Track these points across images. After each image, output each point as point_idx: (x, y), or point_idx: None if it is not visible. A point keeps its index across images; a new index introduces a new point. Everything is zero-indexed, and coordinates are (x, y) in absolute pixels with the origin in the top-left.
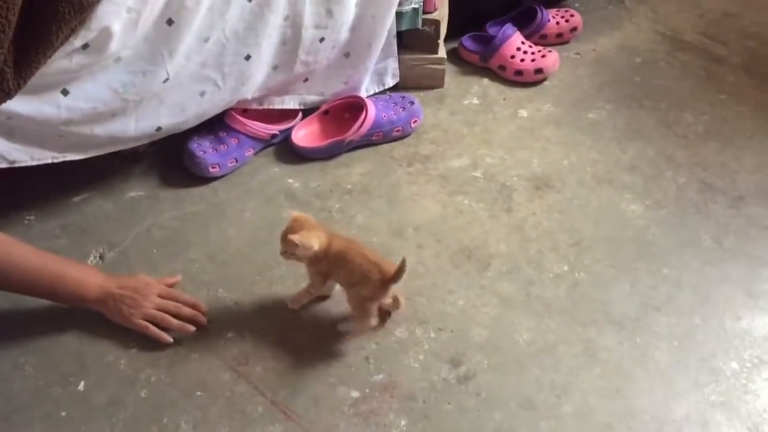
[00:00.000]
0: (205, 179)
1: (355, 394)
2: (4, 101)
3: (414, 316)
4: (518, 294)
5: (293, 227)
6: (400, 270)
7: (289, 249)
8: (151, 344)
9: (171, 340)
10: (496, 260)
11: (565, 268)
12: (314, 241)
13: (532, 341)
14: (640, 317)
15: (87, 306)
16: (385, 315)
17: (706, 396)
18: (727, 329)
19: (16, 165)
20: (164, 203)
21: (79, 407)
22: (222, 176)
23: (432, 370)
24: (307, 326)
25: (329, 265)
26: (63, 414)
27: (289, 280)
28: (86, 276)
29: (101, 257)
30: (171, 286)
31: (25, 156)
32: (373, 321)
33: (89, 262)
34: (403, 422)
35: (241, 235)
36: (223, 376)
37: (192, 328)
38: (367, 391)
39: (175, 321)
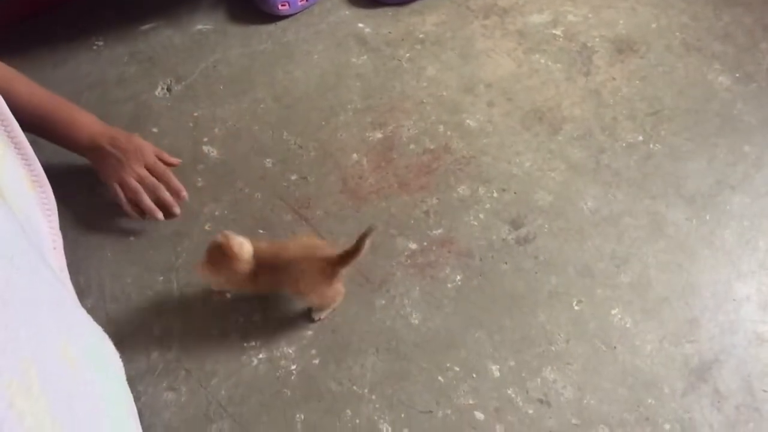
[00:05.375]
0: (274, 17)
1: (413, 246)
2: None
3: (478, 174)
4: (587, 161)
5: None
6: (355, 250)
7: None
8: (215, 180)
9: (135, 216)
10: (568, 124)
11: (640, 138)
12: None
13: (597, 210)
14: (713, 194)
15: (77, 152)
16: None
17: None
18: None
19: None
20: (232, 39)
21: (146, 234)
22: (291, 15)
23: (491, 230)
24: (368, 176)
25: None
26: (131, 239)
27: (354, 128)
28: (83, 122)
29: (168, 89)
30: (168, 164)
31: None
32: (340, 293)
33: (156, 93)
34: (458, 277)
35: (308, 79)
36: (285, 216)
37: (160, 216)
38: (425, 244)
39: (147, 200)
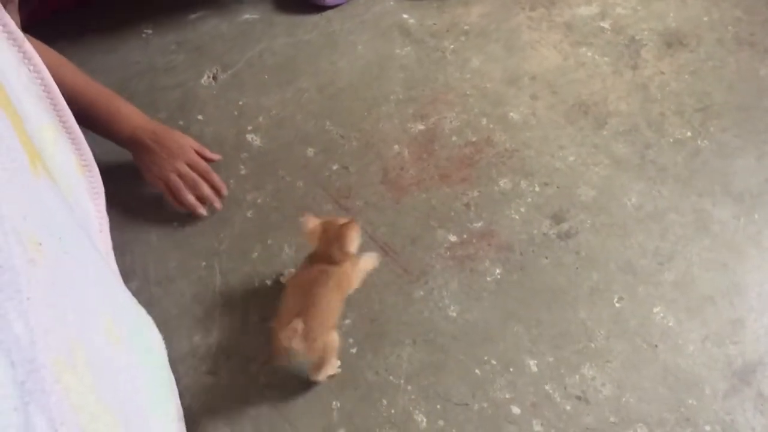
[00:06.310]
0: (319, 7)
1: (453, 238)
2: None
3: (520, 168)
4: (633, 156)
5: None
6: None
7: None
8: (258, 169)
9: (177, 208)
10: (614, 119)
11: (688, 134)
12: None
13: (641, 206)
14: (762, 193)
15: (118, 143)
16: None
17: None
18: None
19: None
20: (277, 28)
21: (190, 220)
22: (336, 6)
23: (533, 224)
24: (410, 168)
25: None
26: (175, 224)
27: (396, 119)
28: (126, 115)
29: (214, 78)
30: (208, 160)
31: None
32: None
33: (202, 81)
34: (497, 270)
35: (352, 69)
36: (325, 205)
37: (202, 211)
38: (465, 236)
39: (188, 196)
